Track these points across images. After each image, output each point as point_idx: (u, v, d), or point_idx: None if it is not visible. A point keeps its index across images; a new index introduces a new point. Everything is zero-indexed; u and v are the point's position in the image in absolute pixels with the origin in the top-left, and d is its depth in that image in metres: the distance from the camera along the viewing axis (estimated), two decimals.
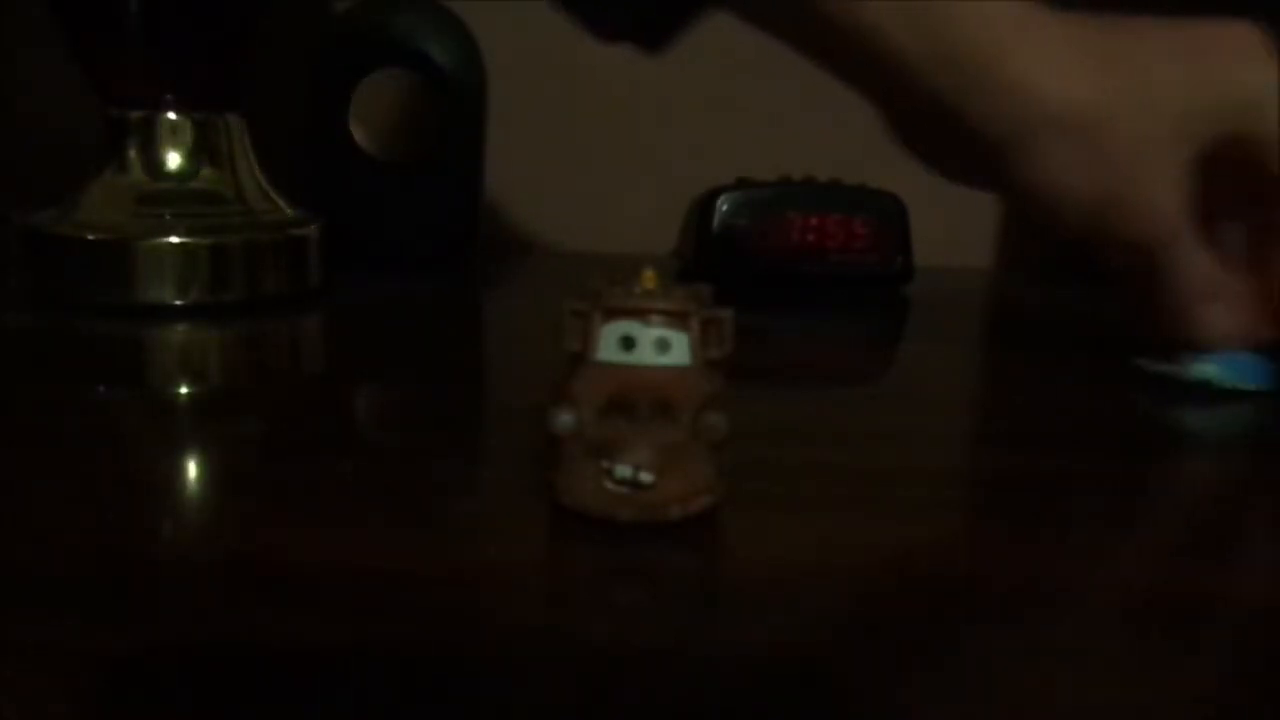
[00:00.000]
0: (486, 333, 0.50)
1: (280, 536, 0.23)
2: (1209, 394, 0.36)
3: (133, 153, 0.46)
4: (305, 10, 0.65)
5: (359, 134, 0.60)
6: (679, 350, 0.24)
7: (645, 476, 0.22)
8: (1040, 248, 0.71)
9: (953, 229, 0.69)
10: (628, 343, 0.24)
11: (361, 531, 0.23)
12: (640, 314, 0.24)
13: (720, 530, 0.24)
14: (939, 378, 0.41)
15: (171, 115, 0.46)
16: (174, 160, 0.46)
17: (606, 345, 0.24)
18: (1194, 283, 0.32)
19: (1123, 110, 0.28)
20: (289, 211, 0.49)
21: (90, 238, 0.43)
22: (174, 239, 0.44)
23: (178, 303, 0.44)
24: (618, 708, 0.17)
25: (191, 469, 0.28)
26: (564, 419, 0.23)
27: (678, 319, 0.24)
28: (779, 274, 0.58)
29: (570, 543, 0.23)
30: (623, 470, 0.22)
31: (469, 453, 0.30)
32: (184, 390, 0.36)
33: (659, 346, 0.24)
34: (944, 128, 0.29)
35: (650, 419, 0.23)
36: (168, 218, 0.44)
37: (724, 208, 0.57)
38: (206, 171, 0.46)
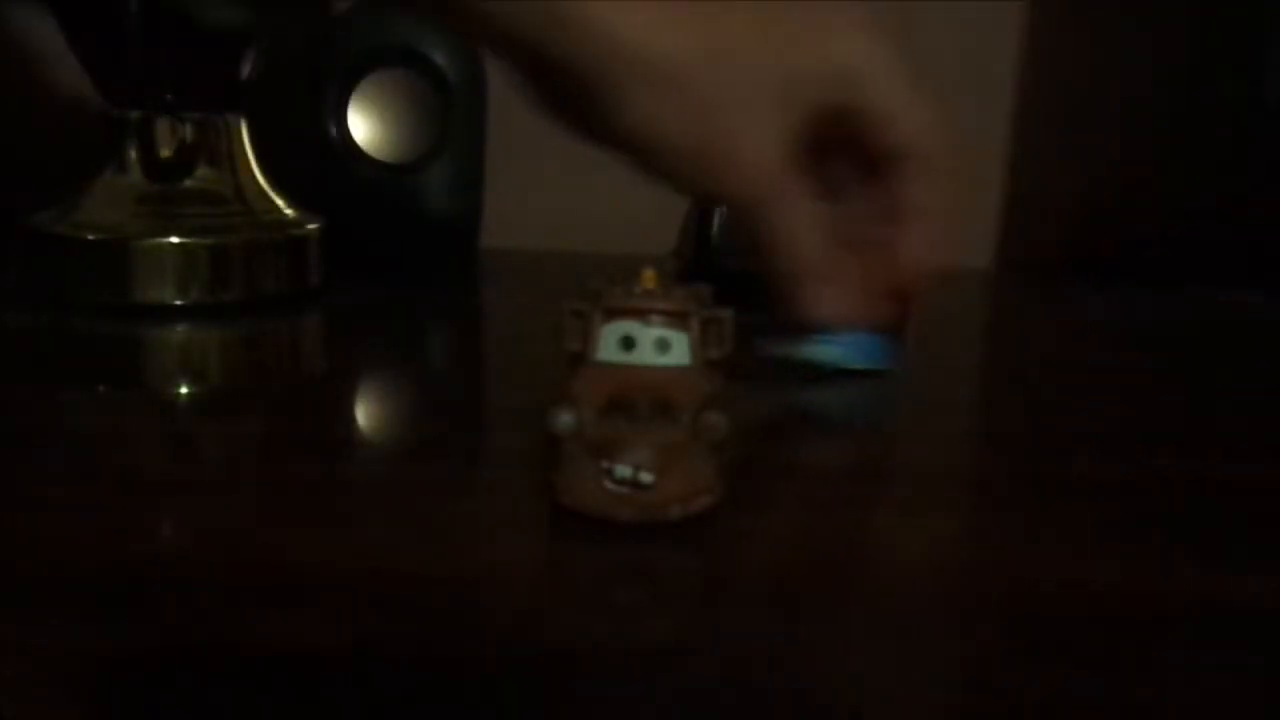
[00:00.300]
0: (486, 333, 0.50)
1: (280, 536, 0.23)
2: (827, 375, 0.36)
3: (133, 153, 0.46)
4: (305, 10, 0.65)
5: (359, 134, 0.60)
6: (679, 350, 0.24)
7: (645, 476, 0.22)
8: (1040, 248, 0.71)
9: (952, 229, 0.69)
10: (628, 343, 0.24)
11: (361, 531, 0.23)
12: (640, 314, 0.24)
13: (720, 530, 0.24)
14: (939, 378, 0.41)
15: (171, 115, 0.45)
16: (174, 160, 0.46)
17: (606, 345, 0.24)
18: (802, 260, 0.32)
19: (710, 63, 0.29)
20: (289, 211, 0.49)
21: (90, 238, 0.43)
22: (174, 239, 0.44)
23: (178, 303, 0.44)
24: (618, 708, 0.17)
25: (191, 469, 0.28)
26: (564, 419, 0.23)
27: (678, 319, 0.24)
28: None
29: (570, 543, 0.23)
30: (623, 470, 0.22)
31: (469, 453, 0.30)
32: (184, 390, 0.36)
33: (659, 346, 0.24)
34: (560, 86, 0.30)
35: (650, 419, 0.23)
36: (168, 218, 0.44)
37: (724, 208, 0.57)
38: (206, 171, 0.46)
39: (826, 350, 0.36)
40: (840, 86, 0.31)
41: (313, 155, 0.59)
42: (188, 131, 0.46)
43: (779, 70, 0.30)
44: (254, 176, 0.48)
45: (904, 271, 0.34)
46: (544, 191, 0.72)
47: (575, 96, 0.30)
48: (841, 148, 0.32)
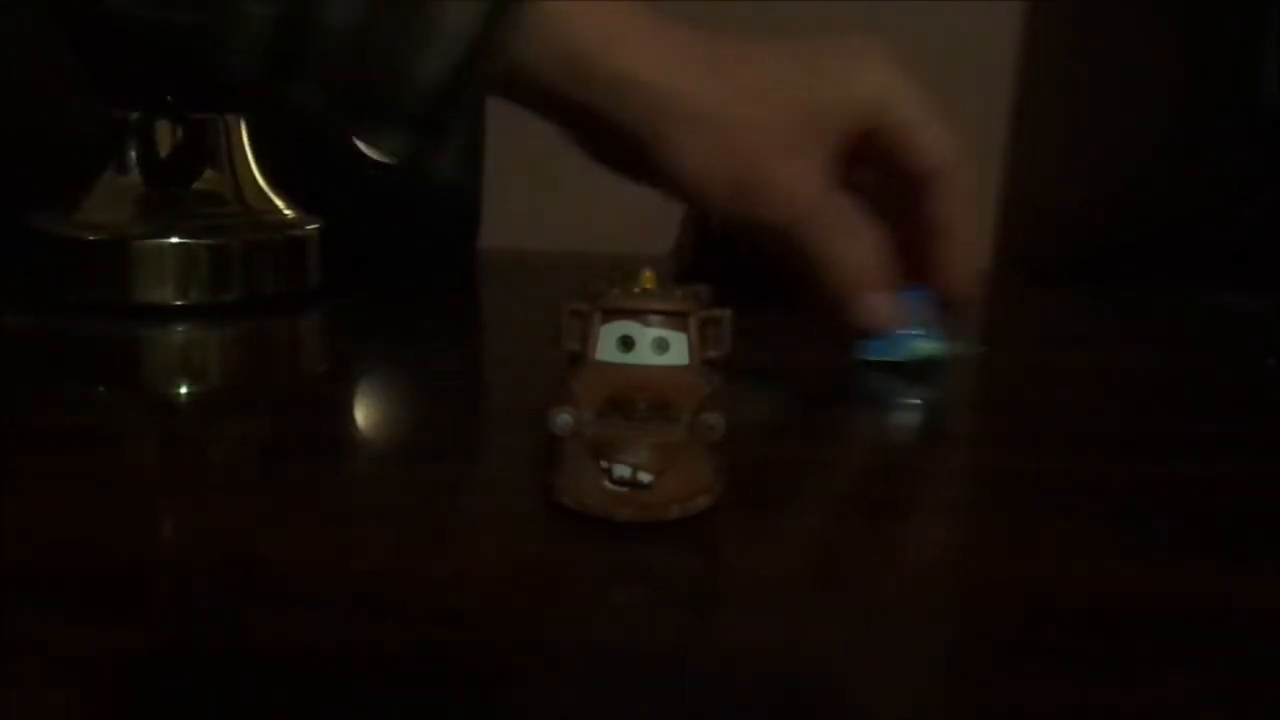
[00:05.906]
0: (486, 333, 0.50)
1: (280, 536, 0.23)
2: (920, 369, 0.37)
3: (133, 153, 0.46)
4: None
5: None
6: (677, 350, 0.24)
7: (644, 476, 0.22)
8: (1040, 248, 0.71)
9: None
10: (627, 343, 0.24)
11: (361, 531, 0.23)
12: (639, 314, 0.24)
13: (720, 530, 0.24)
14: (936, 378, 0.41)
15: (171, 115, 0.45)
16: (174, 161, 0.46)
17: (605, 345, 0.24)
18: (850, 273, 0.34)
19: (745, 106, 0.32)
20: (289, 211, 0.49)
21: (90, 238, 0.43)
22: (174, 239, 0.44)
23: (178, 303, 0.44)
24: (619, 708, 0.17)
25: (191, 469, 0.28)
26: (563, 419, 0.23)
27: (676, 319, 0.24)
28: (778, 274, 0.57)
29: (570, 543, 0.23)
30: (621, 470, 0.22)
31: (469, 453, 0.30)
32: (184, 390, 0.36)
33: (658, 347, 0.24)
34: (610, 141, 0.33)
35: (649, 419, 0.23)
36: (168, 218, 0.44)
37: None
38: (206, 172, 0.46)
39: (922, 345, 0.37)
40: (866, 113, 0.33)
41: (313, 155, 0.59)
42: (188, 132, 0.46)
43: (808, 103, 0.32)
44: (254, 176, 0.48)
45: (950, 283, 0.35)
46: (544, 191, 0.72)
47: (625, 149, 0.32)
48: (871, 167, 0.34)
